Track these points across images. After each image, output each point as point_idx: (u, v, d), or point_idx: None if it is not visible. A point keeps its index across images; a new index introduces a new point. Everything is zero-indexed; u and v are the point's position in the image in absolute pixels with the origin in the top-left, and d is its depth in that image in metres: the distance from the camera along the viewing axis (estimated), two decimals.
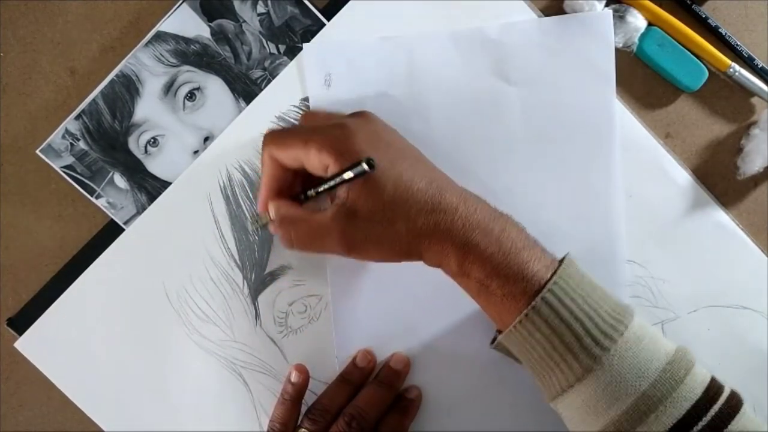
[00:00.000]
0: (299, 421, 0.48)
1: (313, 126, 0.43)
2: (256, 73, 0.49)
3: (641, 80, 0.49)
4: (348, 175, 0.38)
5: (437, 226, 0.38)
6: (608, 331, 0.36)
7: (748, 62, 0.48)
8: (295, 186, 0.44)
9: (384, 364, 0.49)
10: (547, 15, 0.49)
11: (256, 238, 0.50)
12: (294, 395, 0.48)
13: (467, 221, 0.38)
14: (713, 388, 0.36)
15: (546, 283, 0.37)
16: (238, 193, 0.50)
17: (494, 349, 0.43)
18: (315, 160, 0.40)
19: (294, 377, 0.49)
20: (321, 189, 0.41)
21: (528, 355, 0.39)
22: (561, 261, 0.39)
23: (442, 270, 0.41)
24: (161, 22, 0.49)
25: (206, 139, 0.50)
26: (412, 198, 0.39)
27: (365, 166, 0.37)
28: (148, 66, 0.49)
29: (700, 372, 0.37)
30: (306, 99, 0.49)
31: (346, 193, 0.39)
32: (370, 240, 0.40)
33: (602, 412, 0.36)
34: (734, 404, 0.36)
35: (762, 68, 0.48)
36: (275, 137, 0.42)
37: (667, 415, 0.35)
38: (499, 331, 0.41)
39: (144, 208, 0.50)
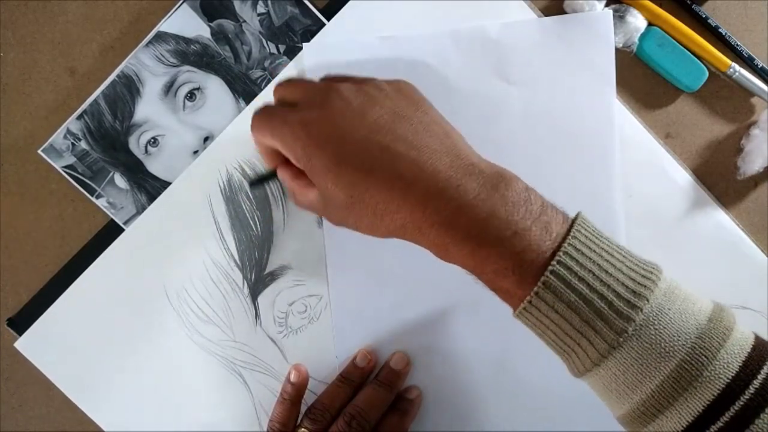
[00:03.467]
0: (299, 421, 0.48)
1: (282, 112, 0.40)
2: (256, 73, 0.50)
3: (641, 80, 0.49)
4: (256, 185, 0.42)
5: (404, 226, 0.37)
6: (632, 299, 0.32)
7: (748, 62, 0.48)
8: None
9: (384, 364, 0.49)
10: (547, 15, 0.49)
11: (258, 232, 0.50)
12: (293, 395, 0.48)
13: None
14: (759, 348, 0.32)
15: (554, 253, 0.33)
16: (237, 193, 0.50)
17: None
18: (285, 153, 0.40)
19: (293, 377, 0.49)
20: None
21: (544, 335, 0.36)
22: (572, 223, 0.35)
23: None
24: (161, 22, 0.49)
25: (206, 139, 0.50)
26: (364, 203, 0.37)
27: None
28: (148, 66, 0.49)
29: (741, 332, 0.33)
30: None
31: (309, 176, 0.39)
32: (348, 223, 0.39)
33: (631, 391, 0.33)
34: None
35: (762, 68, 0.48)
36: (254, 124, 0.41)
37: (709, 386, 0.31)
38: None
39: (144, 208, 0.50)
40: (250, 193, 0.50)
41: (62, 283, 0.50)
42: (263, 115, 0.41)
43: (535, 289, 0.33)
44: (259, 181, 0.47)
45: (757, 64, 0.48)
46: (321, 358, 0.50)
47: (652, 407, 0.33)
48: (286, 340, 0.50)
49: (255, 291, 0.50)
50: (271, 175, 0.44)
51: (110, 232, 0.50)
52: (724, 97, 0.49)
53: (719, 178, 0.49)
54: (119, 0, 0.50)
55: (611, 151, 0.48)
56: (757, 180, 0.49)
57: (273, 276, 0.50)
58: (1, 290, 0.51)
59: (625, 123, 0.49)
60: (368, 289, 0.50)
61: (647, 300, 0.32)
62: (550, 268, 0.33)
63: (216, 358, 0.50)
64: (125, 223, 0.50)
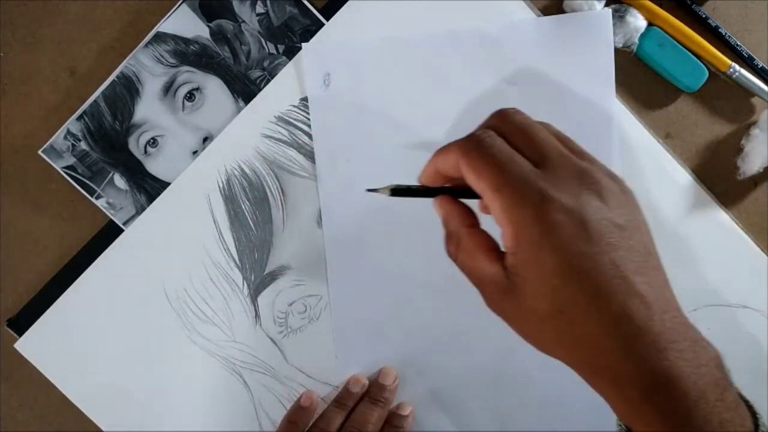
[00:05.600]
0: None
1: (525, 170, 0.31)
2: (255, 73, 0.49)
3: (641, 80, 0.49)
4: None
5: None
6: None
7: (748, 62, 0.48)
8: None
9: (373, 381, 0.49)
10: (546, 15, 0.49)
11: (258, 232, 0.50)
12: (301, 420, 0.49)
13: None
14: None
15: None
16: (237, 193, 0.50)
17: None
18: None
19: (305, 401, 0.49)
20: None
21: None
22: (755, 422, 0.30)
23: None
24: (161, 22, 0.49)
25: (205, 139, 0.50)
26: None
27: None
28: (147, 66, 0.49)
29: None
30: (305, 99, 0.49)
31: (513, 254, 0.31)
32: (523, 328, 0.33)
33: None
34: None
35: (762, 68, 0.48)
36: (470, 158, 0.32)
37: None
38: None
39: (143, 209, 0.50)
40: (250, 196, 0.50)
41: (62, 283, 0.50)
42: (489, 154, 0.32)
43: None
44: (401, 192, 0.37)
45: (757, 64, 0.48)
46: (321, 358, 0.50)
47: None
48: (286, 340, 0.50)
49: (255, 291, 0.50)
50: (421, 193, 0.37)
51: (110, 232, 0.50)
52: (724, 97, 0.49)
53: (719, 178, 0.49)
54: (119, 0, 0.50)
55: (611, 151, 0.48)
56: (757, 180, 0.49)
57: (273, 276, 0.50)
58: (1, 290, 0.51)
59: (625, 123, 0.48)
60: (368, 289, 0.50)
61: None
62: None
63: (216, 359, 0.50)
64: (125, 223, 0.50)
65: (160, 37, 0.49)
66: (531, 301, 0.31)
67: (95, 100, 0.49)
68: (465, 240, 0.34)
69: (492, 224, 0.33)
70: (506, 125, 0.34)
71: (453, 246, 0.35)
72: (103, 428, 0.51)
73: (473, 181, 0.32)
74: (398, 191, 0.37)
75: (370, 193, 0.38)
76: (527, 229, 0.31)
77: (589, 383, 0.31)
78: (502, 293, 0.33)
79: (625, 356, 0.29)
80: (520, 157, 0.32)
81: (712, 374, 0.30)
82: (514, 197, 0.31)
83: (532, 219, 0.30)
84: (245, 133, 0.49)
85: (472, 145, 0.32)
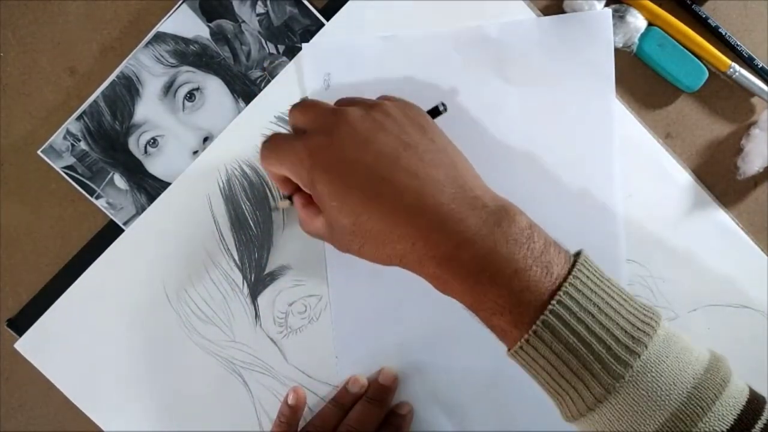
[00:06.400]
0: None
1: (289, 140, 0.41)
2: (256, 74, 0.49)
3: (641, 80, 0.49)
4: (284, 203, 0.44)
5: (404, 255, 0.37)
6: (630, 344, 0.32)
7: (748, 62, 0.48)
8: None
9: (373, 381, 0.49)
10: (546, 15, 0.49)
11: (258, 232, 0.50)
12: (290, 417, 0.49)
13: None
14: (754, 402, 0.32)
15: (553, 294, 0.33)
16: (237, 193, 0.50)
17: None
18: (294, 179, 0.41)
19: (291, 399, 0.49)
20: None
21: (537, 376, 0.35)
22: (573, 263, 0.34)
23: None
24: (161, 22, 0.49)
25: (205, 139, 0.50)
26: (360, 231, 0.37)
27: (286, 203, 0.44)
28: (147, 66, 0.49)
29: (737, 384, 0.33)
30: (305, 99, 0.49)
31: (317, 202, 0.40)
32: (353, 250, 0.39)
33: None
34: None
35: (762, 68, 0.48)
36: (263, 154, 0.42)
37: None
38: None
39: (143, 209, 0.50)
40: (250, 196, 0.50)
41: (62, 284, 0.50)
42: (271, 144, 0.42)
43: (534, 328, 0.33)
44: (279, 204, 0.48)
45: (757, 64, 0.48)
46: (321, 358, 0.50)
47: None
48: (286, 340, 0.50)
49: (255, 291, 0.50)
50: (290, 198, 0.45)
51: (110, 232, 0.50)
52: (724, 97, 0.49)
53: (719, 178, 0.49)
54: (119, 0, 0.50)
55: (611, 151, 0.48)
56: (757, 180, 0.49)
57: (273, 276, 0.50)
58: (1, 290, 0.51)
59: (625, 123, 0.49)
60: (368, 289, 0.50)
61: (646, 346, 0.32)
62: (549, 307, 0.32)
63: (216, 359, 0.50)
64: (125, 223, 0.50)
65: (160, 37, 0.49)
66: (338, 228, 0.38)
67: (95, 100, 0.49)
68: (302, 213, 0.43)
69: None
70: (292, 118, 0.43)
71: (301, 225, 0.44)
72: (103, 428, 0.51)
73: (273, 175, 0.43)
74: (288, 197, 0.45)
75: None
76: (302, 180, 0.39)
77: (416, 274, 0.37)
78: (331, 235, 0.40)
79: (413, 239, 0.35)
80: (286, 135, 0.42)
81: (504, 235, 0.34)
82: (288, 164, 0.40)
83: (297, 167, 0.39)
84: (245, 133, 0.49)
85: (263, 151, 0.42)
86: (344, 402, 0.49)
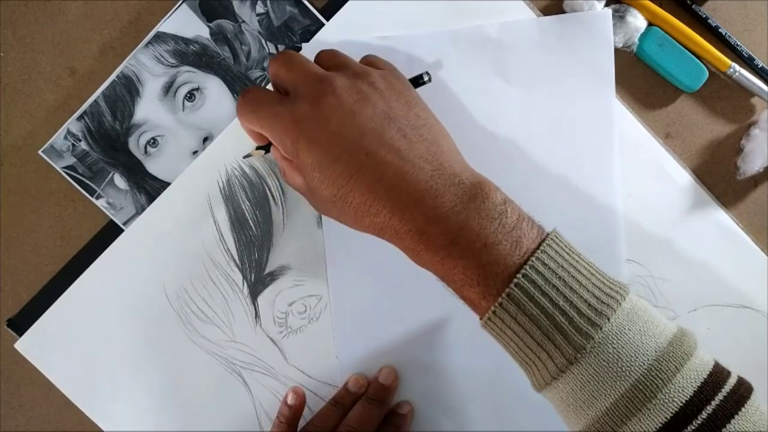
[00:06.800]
0: None
1: (273, 101, 0.40)
2: (256, 74, 0.49)
3: (641, 80, 0.49)
4: (258, 152, 0.44)
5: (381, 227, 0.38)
6: (592, 316, 0.33)
7: (748, 62, 0.48)
8: None
9: (373, 380, 0.49)
10: (546, 15, 0.49)
11: (258, 232, 0.50)
12: (290, 417, 0.49)
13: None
14: (716, 375, 0.33)
15: (520, 267, 0.34)
16: (237, 193, 0.50)
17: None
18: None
19: (290, 399, 0.49)
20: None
21: (507, 346, 0.36)
22: (544, 239, 0.35)
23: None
24: (161, 22, 0.49)
25: (205, 139, 0.50)
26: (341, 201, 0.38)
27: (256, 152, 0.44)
28: (148, 67, 0.49)
29: (701, 358, 0.34)
30: None
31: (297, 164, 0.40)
32: (332, 216, 0.41)
33: (586, 407, 0.34)
34: (741, 395, 0.33)
35: (762, 68, 0.48)
36: (242, 110, 0.42)
37: (662, 409, 0.32)
38: None
39: (143, 209, 0.50)
40: (250, 196, 0.50)
41: (62, 284, 0.50)
42: (252, 101, 0.41)
43: (499, 300, 0.34)
44: (253, 152, 0.46)
45: (757, 64, 0.48)
46: (321, 358, 0.50)
47: (606, 425, 0.33)
48: (286, 340, 0.50)
49: (255, 291, 0.50)
50: (265, 148, 0.45)
51: (110, 232, 0.50)
52: (724, 97, 0.49)
53: (719, 178, 0.49)
54: (119, 0, 0.50)
55: (611, 151, 0.48)
56: (757, 180, 0.49)
57: (273, 276, 0.50)
58: (1, 290, 0.51)
59: (625, 123, 0.49)
60: (368, 289, 0.50)
61: (608, 319, 0.33)
62: (514, 280, 0.34)
63: (216, 359, 0.50)
64: (125, 223, 0.50)
65: (160, 37, 0.49)
66: (319, 194, 0.39)
67: (95, 100, 0.49)
68: (283, 165, 0.43)
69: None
70: (273, 68, 0.42)
71: (282, 174, 0.44)
72: (103, 428, 0.51)
73: (248, 130, 0.43)
74: (261, 147, 0.45)
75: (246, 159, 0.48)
76: (284, 147, 0.39)
77: (394, 245, 0.38)
78: (311, 197, 0.41)
79: (390, 214, 0.36)
80: (267, 94, 0.41)
81: (477, 210, 0.35)
82: (269, 128, 0.40)
83: (281, 135, 0.39)
84: (245, 134, 0.49)
85: (241, 106, 0.42)
86: (344, 402, 0.49)
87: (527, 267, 0.34)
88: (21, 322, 0.51)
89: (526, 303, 0.34)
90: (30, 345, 0.51)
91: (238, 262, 0.50)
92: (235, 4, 0.49)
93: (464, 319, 0.49)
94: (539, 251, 0.34)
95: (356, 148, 0.37)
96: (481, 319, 0.36)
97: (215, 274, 0.50)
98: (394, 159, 0.37)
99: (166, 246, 0.50)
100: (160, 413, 0.51)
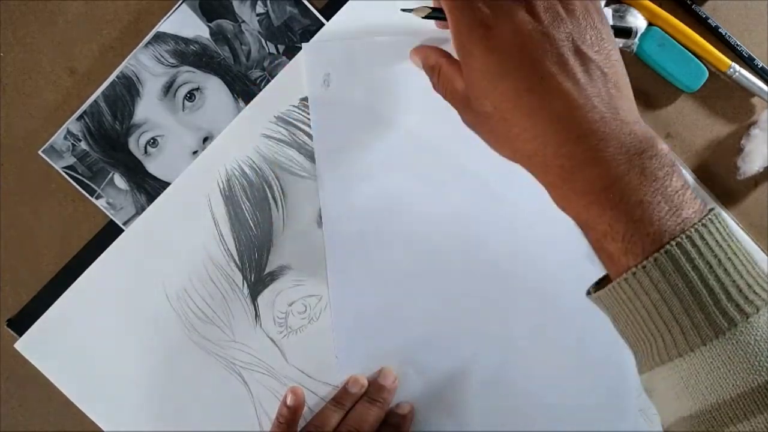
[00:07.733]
0: None
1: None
2: (255, 73, 0.49)
3: (641, 80, 0.49)
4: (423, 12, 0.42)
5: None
6: (741, 303, 0.31)
7: (748, 62, 0.48)
8: None
9: (372, 381, 0.49)
10: None
11: (258, 232, 0.50)
12: (289, 418, 0.49)
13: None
14: None
15: (674, 236, 0.31)
16: (237, 193, 0.50)
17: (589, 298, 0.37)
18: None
19: (290, 400, 0.49)
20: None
21: (629, 315, 0.34)
22: (706, 214, 0.33)
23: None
24: (161, 22, 0.49)
25: (205, 139, 0.50)
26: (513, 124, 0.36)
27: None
28: (147, 67, 0.49)
29: None
30: (305, 99, 0.49)
31: (463, 66, 0.38)
32: (479, 130, 0.39)
33: (708, 393, 0.31)
34: None
35: (762, 68, 0.48)
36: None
37: None
38: (602, 280, 0.36)
39: (143, 209, 0.50)
40: (250, 196, 0.50)
41: (62, 284, 0.50)
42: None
43: (644, 263, 0.31)
44: (432, 16, 0.43)
45: (757, 64, 0.48)
46: (321, 358, 0.50)
47: (726, 415, 0.31)
48: (286, 340, 0.50)
49: (255, 291, 0.50)
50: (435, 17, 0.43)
51: (110, 232, 0.50)
52: (724, 97, 0.49)
53: (719, 178, 0.49)
54: (119, 0, 0.50)
55: None
56: (757, 180, 0.49)
57: (273, 276, 0.50)
58: (1, 290, 0.51)
59: None
60: (368, 289, 0.50)
61: (758, 309, 0.31)
62: (666, 247, 0.31)
63: (216, 359, 0.50)
64: (125, 223, 0.50)
65: (160, 37, 0.49)
66: (476, 106, 0.37)
67: (95, 100, 0.49)
68: (444, 67, 0.41)
69: None
70: None
71: (435, 76, 0.42)
72: (103, 428, 0.51)
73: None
74: (430, 16, 0.43)
75: (405, 13, 0.44)
76: (460, 38, 0.37)
77: (536, 177, 0.36)
78: (466, 106, 0.39)
79: (546, 144, 0.34)
80: None
81: (641, 164, 0.33)
82: (458, 12, 0.37)
83: (466, 28, 0.37)
84: (245, 134, 0.49)
85: None
86: (344, 402, 0.49)
87: (683, 236, 0.31)
88: (21, 322, 0.51)
89: (672, 273, 0.31)
90: (30, 345, 0.50)
91: (238, 262, 0.50)
92: (235, 4, 0.49)
93: (465, 318, 0.49)
94: (699, 224, 0.32)
95: (533, 68, 0.35)
96: (614, 277, 0.33)
97: (215, 274, 0.50)
98: (570, 90, 0.34)
99: (166, 246, 0.50)
100: (160, 413, 0.51)
